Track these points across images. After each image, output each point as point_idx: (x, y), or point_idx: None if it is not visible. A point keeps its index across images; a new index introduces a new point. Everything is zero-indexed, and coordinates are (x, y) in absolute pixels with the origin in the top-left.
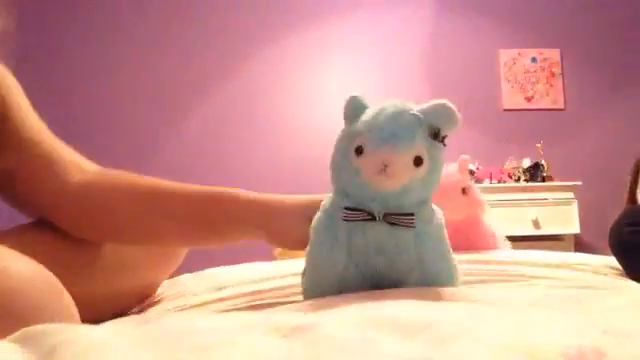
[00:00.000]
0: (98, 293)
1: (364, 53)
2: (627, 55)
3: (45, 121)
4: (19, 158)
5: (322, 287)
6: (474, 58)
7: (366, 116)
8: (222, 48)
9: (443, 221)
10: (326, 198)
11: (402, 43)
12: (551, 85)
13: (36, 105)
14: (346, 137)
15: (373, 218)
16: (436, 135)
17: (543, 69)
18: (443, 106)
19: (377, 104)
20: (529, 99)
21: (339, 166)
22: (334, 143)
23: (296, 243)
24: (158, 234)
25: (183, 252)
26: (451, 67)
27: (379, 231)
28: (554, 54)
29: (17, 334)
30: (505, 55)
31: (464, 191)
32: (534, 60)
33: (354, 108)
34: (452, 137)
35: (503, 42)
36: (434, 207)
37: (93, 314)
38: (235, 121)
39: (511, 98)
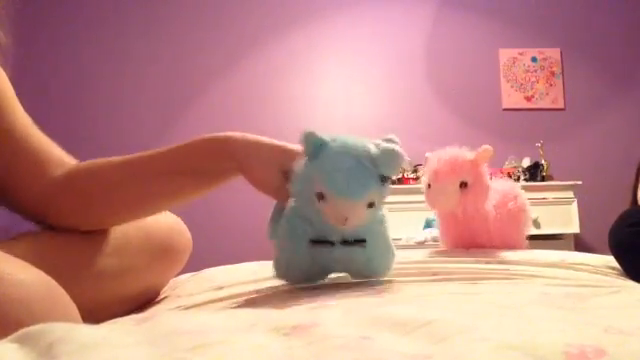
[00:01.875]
0: (101, 299)
1: (364, 53)
2: (627, 55)
3: (46, 121)
4: (6, 153)
5: (290, 276)
6: (474, 58)
7: (327, 163)
8: (222, 48)
9: (383, 221)
10: (289, 204)
11: (402, 43)
12: (551, 85)
13: (37, 104)
14: (307, 177)
15: (332, 244)
16: (385, 179)
17: (543, 69)
18: (393, 154)
19: (335, 142)
20: (529, 99)
21: (303, 198)
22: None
23: (267, 189)
24: (151, 197)
25: (186, 255)
26: (451, 67)
27: (337, 252)
28: (554, 54)
29: (16, 334)
30: (505, 55)
31: (464, 185)
32: (534, 60)
33: (313, 145)
34: (452, 137)
35: (503, 42)
36: (379, 219)
37: (96, 320)
38: (234, 121)
39: (511, 98)
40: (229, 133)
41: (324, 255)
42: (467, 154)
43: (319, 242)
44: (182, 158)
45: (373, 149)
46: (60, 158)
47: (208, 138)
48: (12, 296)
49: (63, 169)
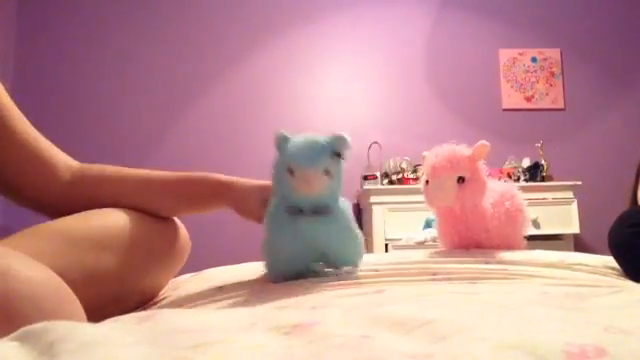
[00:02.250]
0: (100, 298)
1: (364, 53)
2: (627, 55)
3: (44, 121)
4: (11, 156)
5: (281, 264)
6: (474, 58)
7: (291, 147)
8: (222, 48)
9: (348, 208)
10: (271, 200)
11: (402, 43)
12: (551, 85)
13: (37, 104)
14: (280, 163)
15: (302, 212)
16: (337, 154)
17: (543, 69)
18: (341, 137)
19: (297, 136)
20: (529, 99)
21: (280, 182)
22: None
23: (251, 215)
24: (153, 208)
25: (185, 255)
26: (451, 67)
27: (308, 219)
28: (554, 54)
29: (17, 333)
30: (505, 55)
31: (462, 180)
32: (534, 60)
33: (282, 141)
34: (452, 137)
35: (503, 42)
36: (341, 201)
37: (95, 319)
38: (234, 121)
39: (511, 98)
40: (231, 179)
41: (297, 222)
42: (464, 150)
43: (293, 210)
44: (189, 189)
45: (326, 136)
46: (65, 160)
47: (215, 180)
48: (20, 292)
49: (71, 171)
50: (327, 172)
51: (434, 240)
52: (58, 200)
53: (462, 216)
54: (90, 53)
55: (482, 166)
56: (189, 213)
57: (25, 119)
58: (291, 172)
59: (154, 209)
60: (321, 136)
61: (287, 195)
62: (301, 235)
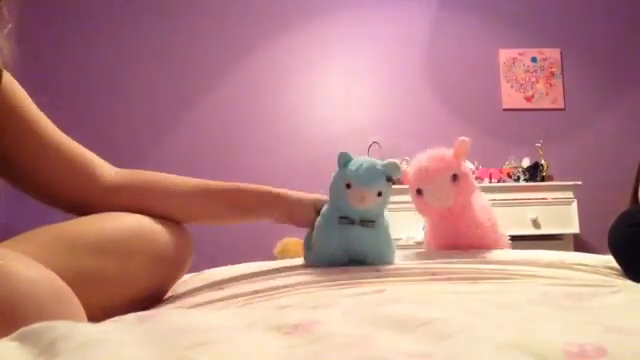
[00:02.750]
0: (102, 303)
1: (364, 53)
2: (627, 55)
3: (51, 118)
4: (43, 161)
5: (321, 258)
6: (474, 58)
7: (353, 166)
8: (222, 48)
9: (389, 224)
10: (325, 206)
11: (402, 43)
12: (551, 85)
13: (39, 103)
14: (340, 177)
15: (353, 222)
16: (389, 179)
17: (543, 69)
18: (395, 164)
19: (358, 158)
20: (529, 99)
21: (337, 193)
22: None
23: (308, 224)
24: (198, 214)
25: (188, 261)
26: (451, 67)
27: (356, 229)
28: (554, 54)
29: (17, 332)
30: (505, 55)
31: (455, 177)
32: (534, 60)
33: (345, 160)
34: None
35: (503, 42)
36: (385, 217)
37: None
38: (234, 122)
39: (511, 98)
40: (281, 191)
41: (346, 231)
42: (446, 150)
43: (344, 219)
44: (241, 198)
45: (383, 162)
46: (104, 166)
47: (266, 191)
48: (21, 293)
49: (111, 177)
50: (379, 193)
51: None
52: (97, 205)
53: (456, 215)
54: (90, 53)
55: (469, 176)
56: (237, 222)
57: (54, 127)
58: (349, 186)
59: (201, 215)
60: (378, 161)
61: (341, 205)
62: (349, 240)
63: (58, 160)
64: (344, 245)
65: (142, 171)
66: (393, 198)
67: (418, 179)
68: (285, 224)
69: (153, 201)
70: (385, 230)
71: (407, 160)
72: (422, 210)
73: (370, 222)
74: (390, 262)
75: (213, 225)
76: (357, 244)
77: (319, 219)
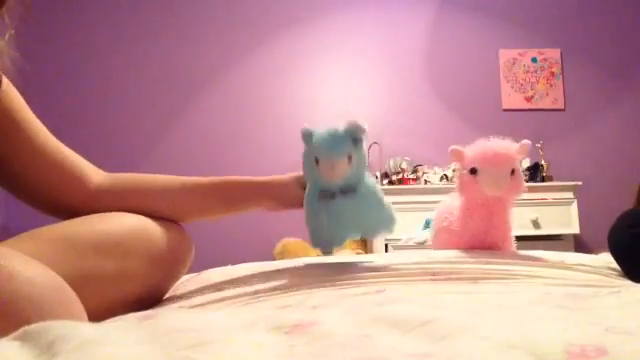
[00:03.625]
0: (101, 303)
1: (364, 53)
2: (627, 55)
3: (46, 123)
4: (35, 165)
5: (322, 243)
6: (474, 58)
7: (315, 139)
8: (221, 48)
9: (374, 183)
10: (306, 191)
11: (402, 43)
12: (551, 85)
13: (36, 106)
14: (308, 154)
15: (334, 195)
16: (356, 141)
17: (543, 69)
18: (356, 123)
19: (320, 128)
20: (529, 99)
21: (310, 170)
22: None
23: (296, 204)
24: (189, 211)
25: (188, 260)
26: (451, 67)
27: (338, 201)
28: (554, 54)
29: (17, 332)
30: (505, 55)
31: (513, 172)
32: (534, 60)
33: (307, 134)
34: (452, 137)
35: (503, 42)
36: (368, 180)
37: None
38: (233, 121)
39: (511, 98)
40: (266, 178)
41: (330, 206)
42: (510, 144)
43: (324, 194)
44: (229, 191)
45: (344, 125)
46: (91, 170)
47: (251, 182)
48: (22, 293)
49: (98, 181)
50: (349, 158)
51: None
52: (85, 209)
53: (491, 210)
54: (90, 54)
55: (521, 177)
56: (227, 215)
57: (46, 131)
58: (317, 161)
59: (192, 212)
60: (341, 126)
61: (317, 182)
62: (335, 215)
63: (48, 165)
64: (334, 221)
65: (128, 174)
66: (394, 198)
67: (481, 159)
68: (277, 211)
69: (141, 202)
70: (372, 194)
71: (407, 160)
72: (467, 189)
73: (350, 189)
74: (389, 228)
75: (203, 221)
76: (345, 216)
77: (304, 202)
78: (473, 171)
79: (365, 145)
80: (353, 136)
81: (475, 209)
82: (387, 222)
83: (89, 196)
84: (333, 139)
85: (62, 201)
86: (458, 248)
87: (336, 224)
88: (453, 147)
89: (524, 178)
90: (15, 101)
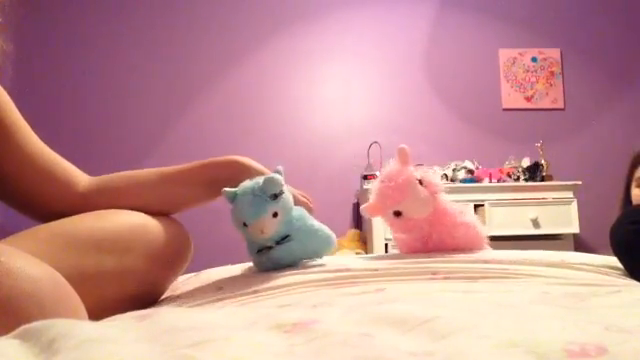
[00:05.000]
0: (101, 300)
1: (364, 52)
2: (627, 55)
3: (45, 124)
4: (23, 170)
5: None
6: (474, 58)
7: (238, 205)
8: (221, 49)
9: (303, 214)
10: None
11: (402, 43)
12: (551, 85)
13: (34, 107)
14: (235, 220)
15: (271, 247)
16: (275, 195)
17: (543, 69)
18: (271, 180)
19: (241, 189)
20: (529, 99)
21: (242, 232)
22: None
23: None
24: (175, 201)
25: (187, 258)
26: (451, 66)
27: (277, 250)
28: (554, 54)
29: (18, 330)
30: (505, 55)
31: (421, 182)
32: (534, 60)
33: (229, 199)
34: (452, 137)
35: (503, 42)
36: (294, 216)
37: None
38: (233, 121)
39: (511, 98)
40: (245, 159)
41: (270, 256)
42: (391, 166)
43: (262, 251)
44: (211, 173)
45: (260, 182)
46: (77, 174)
47: (231, 161)
48: (23, 290)
49: (84, 184)
50: (275, 214)
51: None
52: (73, 213)
53: (432, 225)
54: (90, 55)
55: (429, 175)
56: (214, 198)
57: (34, 135)
58: (245, 225)
59: (178, 201)
60: (256, 183)
61: (252, 241)
62: (277, 260)
63: (37, 170)
64: (278, 265)
65: (112, 174)
66: None
67: (391, 202)
68: None
69: (127, 200)
70: (304, 232)
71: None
72: (404, 230)
73: (285, 239)
74: (330, 247)
75: (193, 207)
76: (286, 259)
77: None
78: (398, 214)
79: (287, 192)
80: (271, 194)
81: (421, 237)
82: (325, 245)
83: (76, 200)
84: (254, 203)
85: (50, 206)
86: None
87: (280, 266)
88: (366, 205)
89: (525, 177)
90: (6, 107)
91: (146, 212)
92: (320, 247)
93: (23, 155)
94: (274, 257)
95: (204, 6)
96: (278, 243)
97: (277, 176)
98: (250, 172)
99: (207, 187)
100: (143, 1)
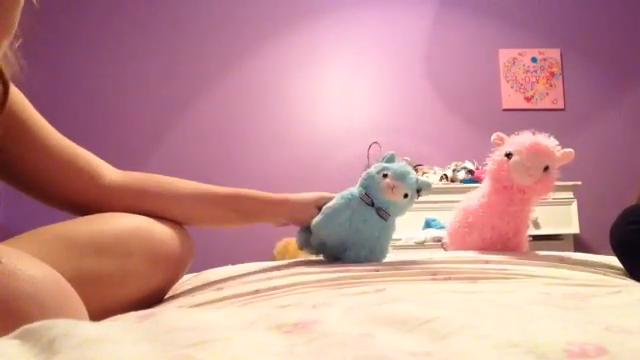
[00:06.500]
0: (102, 304)
1: (364, 52)
2: (627, 55)
3: (50, 120)
4: (47, 163)
5: (327, 223)
6: (474, 58)
7: (394, 165)
8: (222, 48)
9: (394, 228)
10: (346, 191)
11: (402, 43)
12: (551, 85)
13: (39, 108)
14: (380, 167)
15: (372, 204)
16: (418, 191)
17: (543, 69)
18: (429, 184)
19: (400, 164)
20: (529, 99)
21: (371, 177)
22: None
23: (309, 223)
24: (201, 219)
25: (188, 263)
26: (451, 67)
27: (371, 212)
28: (554, 54)
29: (18, 331)
30: (505, 55)
31: (547, 169)
32: (534, 60)
33: (388, 158)
34: (452, 137)
35: (503, 42)
36: (395, 221)
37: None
38: (234, 121)
39: (511, 98)
40: (282, 195)
41: (362, 208)
42: (555, 148)
43: (366, 199)
44: (245, 204)
45: (420, 177)
46: (104, 167)
47: (269, 198)
48: (24, 291)
49: (112, 178)
50: (406, 195)
51: (434, 240)
52: (98, 205)
53: (511, 199)
54: (91, 55)
55: (553, 179)
56: (239, 227)
57: (53, 129)
58: (385, 176)
59: (204, 220)
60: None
61: (369, 188)
62: (357, 216)
63: (59, 161)
64: (353, 219)
65: (144, 173)
66: None
67: (519, 145)
68: (286, 226)
69: (155, 203)
70: (390, 229)
71: (407, 160)
72: (496, 171)
73: (385, 213)
74: (378, 260)
75: (214, 228)
76: (363, 225)
77: (341, 194)
78: (508, 155)
79: (414, 199)
80: (420, 187)
81: (496, 192)
82: (378, 255)
83: (102, 193)
84: (409, 175)
85: (75, 198)
86: (472, 238)
87: (352, 223)
88: (497, 133)
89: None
90: (21, 103)
91: (167, 219)
92: (374, 255)
93: (45, 148)
94: (365, 213)
95: (205, 6)
96: (378, 210)
97: (431, 187)
98: (285, 208)
99: (236, 215)
100: (144, 0)
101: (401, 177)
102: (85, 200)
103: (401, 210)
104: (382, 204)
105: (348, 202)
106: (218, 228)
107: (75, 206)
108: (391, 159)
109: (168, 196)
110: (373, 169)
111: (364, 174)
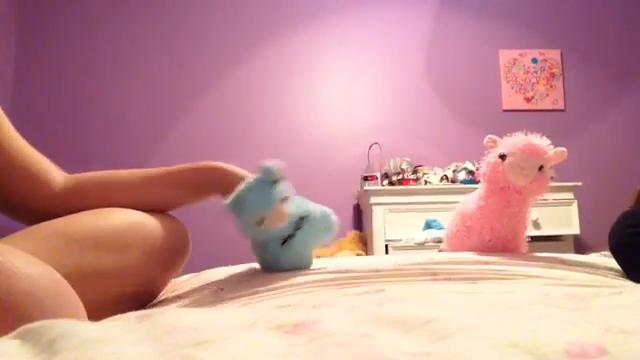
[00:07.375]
0: (99, 297)
1: (364, 53)
2: (627, 55)
3: (48, 124)
4: (5, 168)
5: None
6: (474, 58)
7: (246, 205)
8: (222, 48)
9: (298, 198)
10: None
11: (402, 44)
12: (551, 86)
13: (39, 108)
14: (246, 223)
15: (291, 235)
16: (275, 182)
17: (543, 70)
18: (262, 167)
19: (239, 194)
20: (529, 100)
21: (259, 236)
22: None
23: None
24: (154, 203)
25: (185, 257)
26: (451, 67)
27: (299, 235)
28: (554, 55)
29: (18, 331)
30: (505, 56)
31: (541, 169)
32: (534, 61)
33: (232, 206)
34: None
35: (503, 43)
36: (301, 202)
37: (94, 318)
38: (234, 122)
39: (511, 99)
40: (233, 168)
41: (296, 241)
42: (547, 147)
43: (285, 241)
44: (193, 178)
45: (255, 176)
46: (55, 172)
47: (215, 166)
48: (22, 289)
49: (62, 182)
50: (283, 198)
51: (434, 241)
52: (51, 211)
53: (508, 200)
54: (91, 56)
55: (547, 180)
56: (195, 202)
57: (13, 131)
58: (261, 222)
59: (158, 203)
60: (253, 179)
61: (271, 238)
62: (304, 247)
63: (13, 167)
64: (304, 251)
65: (90, 172)
66: (394, 199)
67: (513, 146)
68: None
69: (104, 199)
70: (314, 211)
71: (407, 161)
72: (491, 174)
73: (303, 220)
74: (334, 226)
75: (173, 210)
76: (314, 240)
77: (257, 253)
78: (502, 156)
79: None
80: (269, 179)
81: (493, 194)
82: (333, 220)
83: (53, 198)
84: (262, 195)
85: (26, 203)
86: (471, 241)
87: (306, 254)
88: (489, 136)
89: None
90: None
91: (160, 213)
92: (331, 223)
93: (1, 153)
94: (299, 241)
95: (205, 6)
96: (297, 228)
97: (269, 163)
98: (234, 178)
99: (190, 190)
100: (144, 1)
101: (269, 205)
102: (36, 206)
103: (297, 202)
104: (294, 223)
105: (278, 257)
106: (176, 209)
107: (25, 212)
108: (235, 206)
109: (115, 189)
110: (245, 232)
111: (253, 244)
